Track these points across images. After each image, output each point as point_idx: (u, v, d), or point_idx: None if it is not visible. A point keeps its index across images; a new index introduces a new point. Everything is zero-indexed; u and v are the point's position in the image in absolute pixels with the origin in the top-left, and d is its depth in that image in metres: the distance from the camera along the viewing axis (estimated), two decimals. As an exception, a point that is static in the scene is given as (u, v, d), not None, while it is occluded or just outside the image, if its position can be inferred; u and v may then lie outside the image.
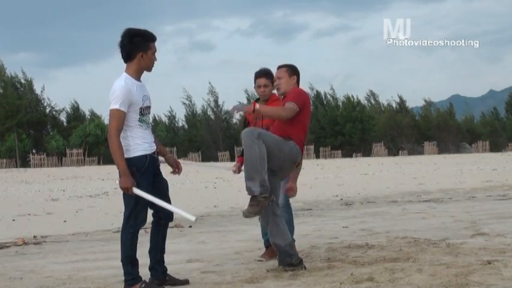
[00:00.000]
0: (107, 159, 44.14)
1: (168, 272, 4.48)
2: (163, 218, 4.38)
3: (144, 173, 4.18)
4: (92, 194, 15.29)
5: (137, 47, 4.19)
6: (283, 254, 4.71)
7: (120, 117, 4.10)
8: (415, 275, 4.25)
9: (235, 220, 9.02)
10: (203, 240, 6.76)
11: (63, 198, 14.13)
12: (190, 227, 8.33)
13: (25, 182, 22.37)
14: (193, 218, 4.11)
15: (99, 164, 46.66)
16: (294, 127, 4.73)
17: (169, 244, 6.01)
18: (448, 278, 4.07)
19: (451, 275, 4.18)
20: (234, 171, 5.58)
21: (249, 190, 4.53)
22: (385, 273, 4.35)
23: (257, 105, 4.68)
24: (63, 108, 57.37)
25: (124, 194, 4.21)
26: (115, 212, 9.77)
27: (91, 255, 6.04)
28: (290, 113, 4.64)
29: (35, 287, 4.54)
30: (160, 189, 4.32)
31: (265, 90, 5.31)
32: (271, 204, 4.66)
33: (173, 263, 5.02)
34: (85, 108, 59.42)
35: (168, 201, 4.34)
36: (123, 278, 4.22)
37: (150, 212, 4.36)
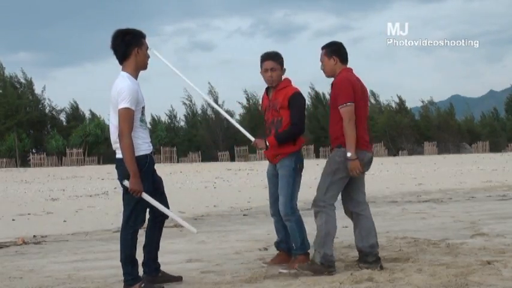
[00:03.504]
0: (107, 159, 44.12)
1: (168, 272, 4.48)
2: (160, 215, 4.39)
3: (145, 172, 4.20)
4: (92, 193, 15.27)
5: (131, 44, 4.23)
6: (360, 253, 4.71)
7: (131, 116, 4.11)
8: (414, 275, 4.25)
9: (235, 220, 9.02)
10: (203, 240, 6.75)
11: (63, 198, 14.12)
12: (190, 226, 8.33)
13: (25, 182, 22.33)
14: (195, 231, 4.37)
15: (99, 163, 46.63)
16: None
17: (169, 244, 6.03)
18: (448, 278, 4.07)
19: (450, 275, 4.18)
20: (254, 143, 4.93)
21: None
22: (385, 273, 4.36)
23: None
24: (63, 109, 57.48)
25: (124, 194, 4.22)
26: (115, 212, 9.76)
27: (91, 255, 6.04)
28: (350, 116, 4.44)
29: (35, 287, 4.54)
30: (158, 187, 4.37)
31: (272, 74, 4.78)
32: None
33: (173, 263, 5.02)
34: (84, 108, 59.59)
35: (165, 197, 4.42)
36: (122, 278, 4.23)
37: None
